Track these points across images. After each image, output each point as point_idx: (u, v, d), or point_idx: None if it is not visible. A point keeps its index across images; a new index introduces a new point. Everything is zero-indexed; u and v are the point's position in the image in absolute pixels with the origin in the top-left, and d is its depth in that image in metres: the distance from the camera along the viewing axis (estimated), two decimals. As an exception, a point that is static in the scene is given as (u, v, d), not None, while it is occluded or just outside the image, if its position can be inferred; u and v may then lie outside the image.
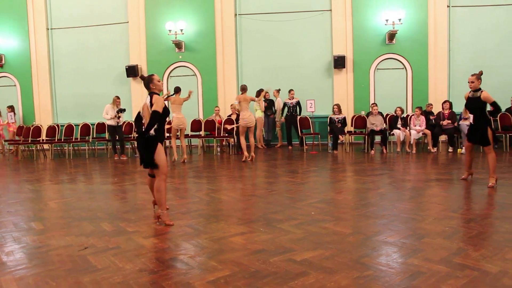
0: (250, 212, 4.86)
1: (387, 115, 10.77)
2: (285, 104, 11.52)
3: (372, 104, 10.68)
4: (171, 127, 9.42)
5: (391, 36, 11.68)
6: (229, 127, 10.33)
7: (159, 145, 4.24)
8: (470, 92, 5.92)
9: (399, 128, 10.08)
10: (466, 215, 4.34)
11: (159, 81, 4.39)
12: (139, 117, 4.37)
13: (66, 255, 3.42)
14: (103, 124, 11.27)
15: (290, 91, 11.39)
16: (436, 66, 11.77)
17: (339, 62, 11.80)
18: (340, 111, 10.82)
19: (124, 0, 12.84)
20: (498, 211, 4.51)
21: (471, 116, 6.17)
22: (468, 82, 5.86)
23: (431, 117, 10.21)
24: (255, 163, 8.87)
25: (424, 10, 11.69)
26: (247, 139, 9.64)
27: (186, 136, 10.58)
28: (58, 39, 13.41)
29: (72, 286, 2.84)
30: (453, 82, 11.80)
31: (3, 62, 13.51)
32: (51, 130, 11.67)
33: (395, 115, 10.36)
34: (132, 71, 12.62)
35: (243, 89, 9.12)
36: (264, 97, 10.81)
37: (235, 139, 10.93)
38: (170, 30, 12.28)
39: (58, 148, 12.26)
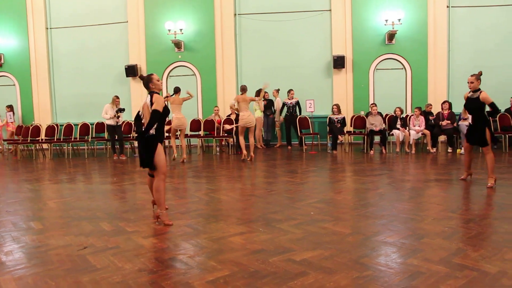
0: (249, 212, 4.86)
1: (386, 115, 10.78)
2: (284, 104, 11.53)
3: (372, 104, 10.68)
4: (170, 127, 9.42)
5: (391, 36, 11.69)
6: (228, 127, 10.34)
7: (159, 144, 4.24)
8: (470, 92, 5.92)
9: (398, 128, 10.08)
10: (465, 216, 4.35)
11: (158, 80, 4.38)
12: (138, 117, 4.36)
13: (65, 255, 3.42)
14: (103, 123, 11.27)
15: (290, 91, 11.39)
16: (435, 66, 11.78)
17: (338, 62, 11.80)
18: (339, 111, 10.83)
19: (123, -1, 12.85)
20: (497, 212, 4.52)
21: (470, 117, 6.18)
22: (468, 83, 5.87)
23: (431, 118, 10.22)
24: (254, 163, 8.87)
25: (423, 11, 11.70)
26: (246, 139, 9.65)
27: (186, 136, 10.57)
28: (58, 38, 13.40)
29: (71, 285, 2.83)
30: (453, 83, 11.81)
31: (2, 61, 13.50)
32: (50, 129, 11.67)
33: (394, 115, 10.36)
34: (131, 71, 12.62)
35: (243, 89, 9.13)
36: (264, 96, 10.83)
37: (234, 139, 10.94)
38: (169, 30, 12.27)
39: (57, 147, 12.25)
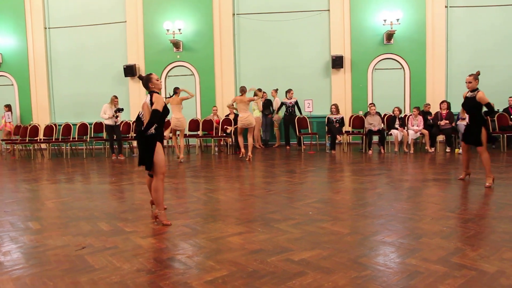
0: (248, 212, 4.85)
1: (385, 115, 10.80)
2: (283, 103, 11.52)
3: (370, 104, 10.69)
4: (169, 127, 9.45)
5: (389, 36, 11.70)
6: (229, 128, 10.39)
7: (158, 144, 4.24)
8: (468, 92, 5.95)
9: (397, 128, 10.09)
10: (464, 215, 4.35)
11: (157, 80, 4.38)
12: (139, 118, 4.40)
13: (63, 255, 3.41)
14: (101, 123, 11.26)
15: (289, 90, 11.38)
16: (434, 66, 11.80)
17: (337, 62, 11.81)
18: (338, 111, 10.83)
19: (122, -1, 12.84)
20: (495, 211, 4.52)
21: (468, 116, 6.21)
22: (466, 82, 5.90)
23: (429, 117, 10.23)
24: (253, 163, 8.87)
25: (422, 11, 11.71)
26: (245, 138, 9.66)
27: (184, 136, 10.56)
28: (56, 38, 13.39)
29: (69, 286, 2.83)
30: (451, 82, 11.83)
31: (1, 61, 13.49)
32: (49, 129, 11.65)
33: (393, 115, 10.37)
34: (130, 71, 12.61)
35: (242, 90, 9.15)
36: (262, 96, 10.84)
37: (233, 139, 10.95)
38: (168, 30, 12.27)
39: (56, 147, 12.24)
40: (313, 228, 3.98)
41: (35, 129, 11.51)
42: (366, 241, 3.59)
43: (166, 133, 9.83)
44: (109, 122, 10.39)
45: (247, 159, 8.97)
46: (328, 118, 10.75)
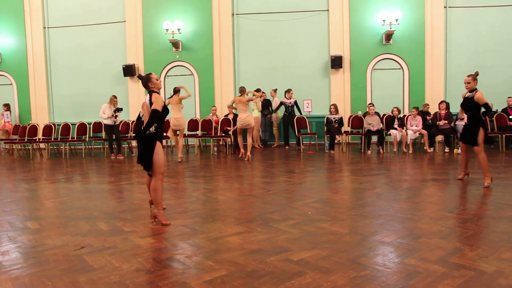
0: (247, 212, 4.86)
1: (384, 115, 10.81)
2: (282, 103, 11.52)
3: (369, 104, 10.70)
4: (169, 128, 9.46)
5: (388, 36, 11.71)
6: (230, 129, 10.42)
7: (158, 144, 4.23)
8: (467, 92, 5.98)
9: (395, 128, 10.10)
10: (462, 215, 4.36)
11: (157, 80, 4.38)
12: (139, 118, 4.41)
13: (62, 255, 3.41)
14: (100, 123, 11.25)
15: (289, 90, 11.38)
16: (432, 67, 11.81)
17: (336, 62, 11.82)
18: (337, 111, 10.84)
19: (121, -1, 12.83)
20: (494, 211, 4.53)
21: (466, 116, 6.23)
22: (465, 83, 5.94)
23: (428, 117, 10.24)
24: (252, 163, 8.87)
25: (421, 11, 11.72)
26: (245, 138, 9.67)
27: (183, 136, 10.56)
28: (55, 37, 13.37)
29: (68, 285, 2.83)
30: (450, 83, 11.84)
31: (0, 60, 13.45)
32: (48, 129, 11.63)
33: (391, 115, 10.38)
34: (129, 70, 12.60)
35: (241, 91, 9.15)
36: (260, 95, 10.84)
37: (232, 139, 10.96)
38: (167, 30, 12.26)
39: (55, 147, 12.22)
40: (312, 228, 3.98)
41: (34, 129, 11.50)
42: (365, 241, 3.59)
43: (170, 134, 9.86)
44: (108, 122, 10.38)
45: (246, 159, 8.96)
46: (327, 118, 10.75)
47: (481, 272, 2.85)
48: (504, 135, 9.85)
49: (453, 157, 9.01)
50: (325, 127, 10.81)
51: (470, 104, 5.87)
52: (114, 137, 10.51)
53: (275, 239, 3.67)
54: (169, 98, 8.73)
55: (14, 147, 11.74)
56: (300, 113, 11.36)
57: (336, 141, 10.64)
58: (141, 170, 5.12)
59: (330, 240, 3.63)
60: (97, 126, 11.57)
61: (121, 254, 3.39)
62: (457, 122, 9.84)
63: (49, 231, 4.12)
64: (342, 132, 10.85)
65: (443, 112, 10.07)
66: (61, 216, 4.74)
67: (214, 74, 12.56)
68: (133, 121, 11.19)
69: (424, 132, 9.92)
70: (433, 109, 10.71)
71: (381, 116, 10.73)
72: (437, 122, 10.01)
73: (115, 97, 10.60)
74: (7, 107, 12.85)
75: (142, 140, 4.22)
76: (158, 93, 4.32)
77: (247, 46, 12.54)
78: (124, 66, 12.60)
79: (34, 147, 11.74)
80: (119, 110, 10.37)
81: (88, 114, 12.48)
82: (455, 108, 9.77)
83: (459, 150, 8.07)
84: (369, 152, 9.96)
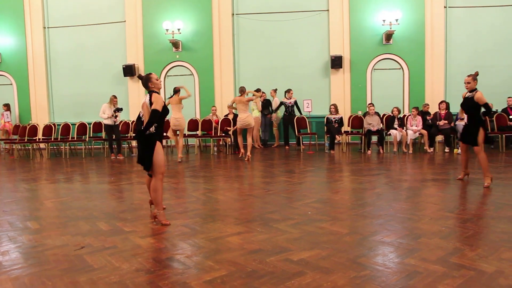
0: (247, 212, 4.85)
1: (384, 115, 10.81)
2: (282, 103, 11.52)
3: (369, 104, 10.70)
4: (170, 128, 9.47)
5: (388, 36, 11.71)
6: (230, 129, 10.42)
7: (158, 143, 4.23)
8: (467, 92, 5.98)
9: (395, 128, 10.10)
10: (462, 215, 4.36)
11: (157, 80, 4.38)
12: (139, 118, 4.41)
13: (62, 255, 3.41)
14: (100, 123, 11.24)
15: (289, 90, 11.38)
16: (432, 67, 11.81)
17: (336, 62, 11.82)
18: (337, 111, 10.84)
19: (121, -1, 12.83)
20: (494, 211, 4.53)
21: (466, 116, 6.24)
22: (465, 83, 5.94)
23: (428, 117, 10.24)
24: (252, 163, 8.87)
25: (421, 11, 11.72)
26: (245, 138, 9.67)
27: (184, 135, 10.57)
28: (55, 37, 13.37)
29: (68, 285, 2.83)
30: (450, 83, 11.84)
31: (0, 60, 13.45)
32: (48, 129, 11.63)
33: (391, 115, 10.38)
34: (129, 70, 12.60)
35: (241, 91, 9.15)
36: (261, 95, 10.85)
37: (232, 139, 10.96)
38: (167, 30, 12.26)
39: (55, 147, 12.22)
40: (312, 228, 3.98)
41: (34, 129, 11.50)
42: (365, 241, 3.59)
43: (170, 134, 9.86)
44: (108, 121, 10.38)
45: (246, 159, 8.96)
46: (327, 118, 10.75)
47: (481, 272, 2.85)
48: (504, 135, 9.85)
49: (453, 157, 9.01)
50: (325, 127, 10.81)
51: (470, 104, 5.87)
52: (114, 137, 10.50)
53: (275, 239, 3.67)
54: (169, 98, 8.71)
55: (14, 147, 11.74)
56: (300, 113, 11.35)
57: (336, 141, 10.64)
58: (141, 170, 5.12)
59: (330, 240, 3.63)
60: (97, 126, 11.57)
61: (121, 254, 3.39)
62: (457, 122, 9.84)
63: (49, 231, 4.12)
64: (342, 132, 10.85)
65: (443, 112, 10.07)
66: (61, 216, 4.74)
67: (214, 74, 12.56)
68: (133, 121, 11.19)
69: (424, 132, 9.92)
70: (433, 109, 10.72)
71: (381, 116, 10.73)
72: (437, 122, 10.01)
73: (115, 97, 10.60)
74: (7, 107, 12.84)
75: (142, 140, 4.22)
76: (158, 93, 4.32)
77: (247, 46, 12.54)
78: (124, 66, 12.60)
79: (34, 147, 11.74)
80: (119, 110, 10.37)
81: (88, 114, 12.48)
82: (455, 108, 9.77)
83: (459, 150, 8.07)
84: (369, 152, 9.96)
